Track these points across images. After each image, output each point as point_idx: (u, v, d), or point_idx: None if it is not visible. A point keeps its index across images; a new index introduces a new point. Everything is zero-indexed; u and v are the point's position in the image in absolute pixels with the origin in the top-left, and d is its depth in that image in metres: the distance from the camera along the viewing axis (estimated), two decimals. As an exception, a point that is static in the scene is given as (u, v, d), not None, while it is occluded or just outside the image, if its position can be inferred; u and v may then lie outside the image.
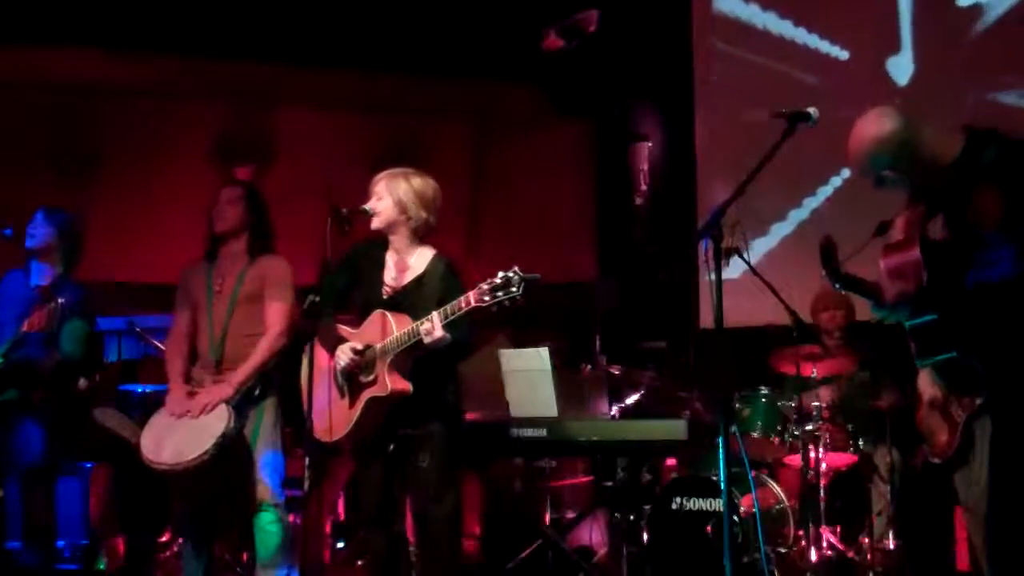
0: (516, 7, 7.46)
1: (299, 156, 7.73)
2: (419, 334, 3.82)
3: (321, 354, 4.10)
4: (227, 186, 4.70)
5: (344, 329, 4.11)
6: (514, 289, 3.62)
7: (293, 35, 7.45)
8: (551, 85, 8.00)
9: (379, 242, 4.17)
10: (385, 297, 4.09)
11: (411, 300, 4.02)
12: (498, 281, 3.64)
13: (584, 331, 7.02)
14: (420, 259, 4.13)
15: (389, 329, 3.93)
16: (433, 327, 3.77)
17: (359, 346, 3.97)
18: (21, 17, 6.91)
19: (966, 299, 2.92)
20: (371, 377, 3.94)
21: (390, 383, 3.88)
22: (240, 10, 7.31)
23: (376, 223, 4.10)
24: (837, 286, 3.21)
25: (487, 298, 3.64)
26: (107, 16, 7.08)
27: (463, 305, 3.72)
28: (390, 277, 4.12)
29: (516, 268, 3.64)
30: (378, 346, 3.94)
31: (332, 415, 4.01)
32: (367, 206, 4.11)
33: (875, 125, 3.23)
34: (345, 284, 4.16)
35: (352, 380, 4.01)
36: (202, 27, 7.26)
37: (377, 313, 4.00)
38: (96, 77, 7.36)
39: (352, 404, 4.00)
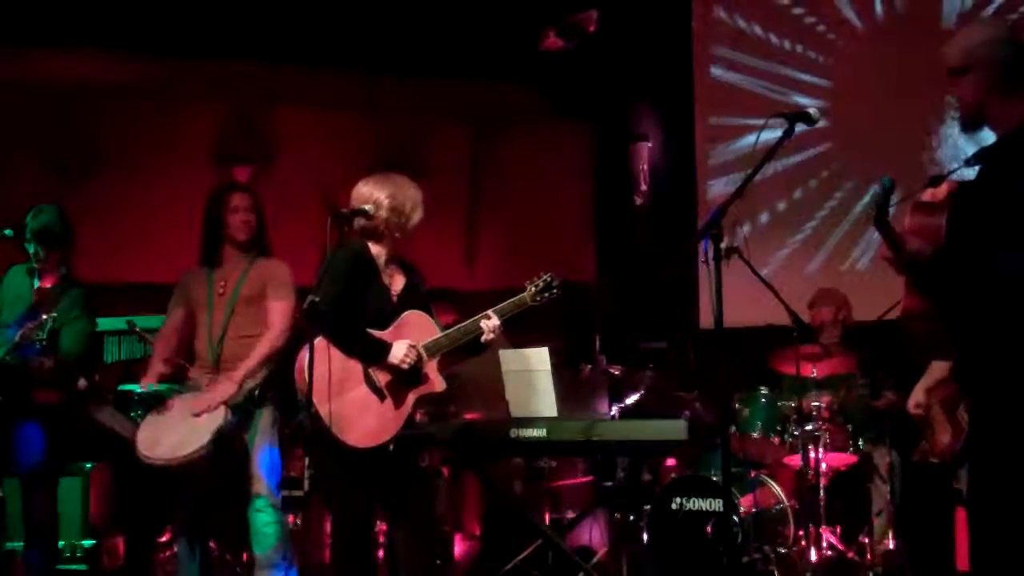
0: (516, 7, 7.47)
1: (299, 156, 7.73)
2: (477, 331, 4.00)
3: (339, 358, 3.92)
4: (238, 191, 4.64)
5: (373, 332, 4.01)
6: (556, 290, 4.12)
7: (293, 35, 7.45)
8: (551, 85, 8.01)
9: (365, 246, 4.08)
10: (395, 301, 4.07)
11: (412, 303, 4.08)
12: (541, 284, 4.11)
13: (584, 331, 7.03)
14: (396, 262, 4.15)
15: (431, 328, 4.05)
16: (494, 324, 4.00)
17: (418, 345, 3.97)
18: (21, 17, 6.91)
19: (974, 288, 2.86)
20: (417, 376, 3.97)
21: (441, 380, 4.01)
22: (240, 11, 7.31)
23: (371, 225, 4.05)
24: (875, 222, 3.04)
25: (538, 298, 4.10)
26: (107, 16, 7.08)
27: (520, 305, 4.09)
28: (386, 281, 4.09)
29: (551, 273, 4.12)
30: (427, 343, 3.99)
31: (376, 418, 3.92)
32: (367, 207, 4.04)
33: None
34: (356, 290, 4.04)
35: (393, 381, 3.96)
36: (202, 27, 7.26)
37: (412, 314, 4.05)
38: (96, 77, 7.36)
39: (399, 405, 3.96)
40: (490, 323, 4.01)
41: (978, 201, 2.92)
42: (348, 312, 3.94)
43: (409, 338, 3.98)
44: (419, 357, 3.96)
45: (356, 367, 3.95)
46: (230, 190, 4.66)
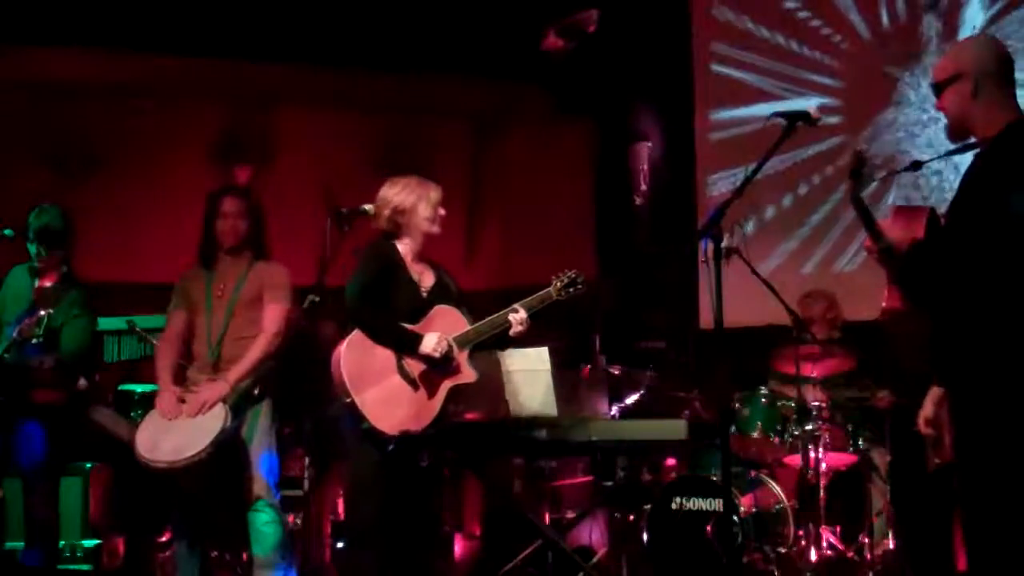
0: (516, 7, 7.47)
1: (299, 156, 7.74)
2: (505, 324, 4.11)
3: (373, 350, 4.07)
4: (229, 196, 4.63)
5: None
6: (580, 286, 4.25)
7: (293, 35, 7.45)
8: (551, 85, 8.01)
9: (391, 244, 4.23)
10: (425, 296, 4.23)
11: (443, 299, 4.23)
12: (567, 279, 4.23)
13: (584, 331, 7.02)
14: (425, 260, 4.30)
15: (460, 322, 4.18)
16: (522, 317, 4.11)
17: (449, 337, 4.09)
18: (21, 17, 6.91)
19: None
20: (449, 367, 4.09)
21: (473, 371, 4.13)
22: (240, 10, 7.31)
23: (384, 224, 4.23)
24: (851, 197, 3.11)
25: (563, 293, 4.23)
26: (107, 16, 7.08)
27: (546, 299, 4.20)
28: (415, 277, 4.24)
29: (576, 270, 4.26)
30: (457, 336, 4.12)
31: (409, 407, 4.04)
32: (367, 207, 4.14)
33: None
34: (383, 284, 4.17)
35: (426, 372, 4.08)
36: (202, 27, 7.26)
37: (442, 308, 4.19)
38: (96, 77, 7.36)
39: (432, 395, 4.09)
40: (518, 316, 4.14)
41: (958, 202, 2.95)
42: (377, 304, 4.08)
43: (439, 331, 4.10)
44: (449, 348, 4.08)
45: (390, 358, 4.06)
46: (222, 194, 4.64)
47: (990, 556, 2.85)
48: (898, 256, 2.99)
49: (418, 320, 4.14)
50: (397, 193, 4.21)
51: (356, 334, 4.05)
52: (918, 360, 3.47)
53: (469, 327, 4.19)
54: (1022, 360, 2.76)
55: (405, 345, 4.06)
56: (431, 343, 4.04)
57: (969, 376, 2.87)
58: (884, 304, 3.12)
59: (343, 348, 4.03)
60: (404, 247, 4.23)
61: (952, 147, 3.12)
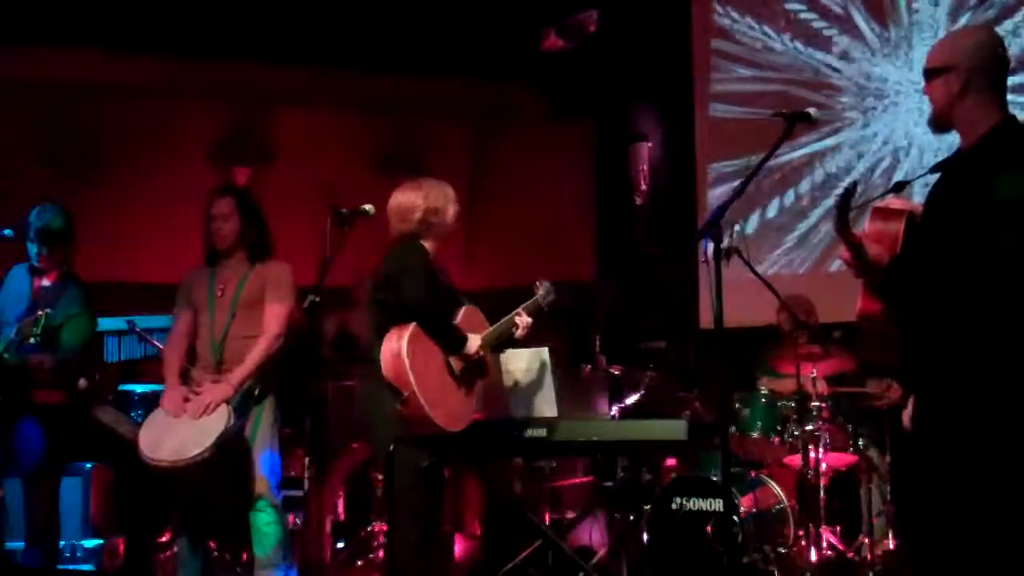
0: (516, 7, 7.47)
1: (299, 156, 7.74)
2: (513, 327, 4.29)
3: (429, 347, 4.10)
4: (218, 198, 4.60)
5: None
6: (553, 295, 4.47)
7: (293, 35, 7.45)
8: (551, 85, 8.01)
9: (422, 244, 4.27)
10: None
11: (459, 299, 4.33)
12: (543, 291, 4.46)
13: (584, 331, 7.03)
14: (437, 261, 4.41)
15: (483, 323, 4.31)
16: (527, 321, 4.31)
17: (479, 337, 4.23)
18: (21, 17, 6.91)
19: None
20: (482, 366, 4.27)
21: (497, 371, 4.34)
22: (240, 11, 7.32)
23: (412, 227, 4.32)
24: (836, 226, 3.06)
25: (545, 302, 4.45)
26: (107, 16, 7.08)
27: (538, 305, 4.41)
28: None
29: (548, 281, 4.51)
30: (484, 336, 4.24)
31: (456, 403, 4.17)
32: (367, 207, 4.17)
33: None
34: (432, 284, 4.21)
35: (465, 370, 4.21)
36: (202, 27, 7.26)
37: (469, 308, 4.31)
38: (96, 77, 7.36)
39: (469, 392, 4.25)
40: (523, 320, 4.31)
41: (938, 211, 2.91)
42: (436, 303, 4.15)
43: (468, 331, 4.21)
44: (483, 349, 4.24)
45: (440, 355, 4.14)
46: (213, 197, 4.63)
47: (945, 558, 2.84)
48: (877, 271, 2.95)
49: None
50: (426, 195, 4.25)
51: (414, 329, 4.02)
52: (892, 361, 3.47)
53: (489, 328, 4.31)
54: (994, 365, 2.74)
55: (457, 344, 4.16)
56: (474, 346, 4.17)
57: (939, 383, 2.85)
58: (859, 306, 3.10)
59: (404, 343, 3.98)
60: (428, 248, 4.27)
61: (932, 165, 3.07)
